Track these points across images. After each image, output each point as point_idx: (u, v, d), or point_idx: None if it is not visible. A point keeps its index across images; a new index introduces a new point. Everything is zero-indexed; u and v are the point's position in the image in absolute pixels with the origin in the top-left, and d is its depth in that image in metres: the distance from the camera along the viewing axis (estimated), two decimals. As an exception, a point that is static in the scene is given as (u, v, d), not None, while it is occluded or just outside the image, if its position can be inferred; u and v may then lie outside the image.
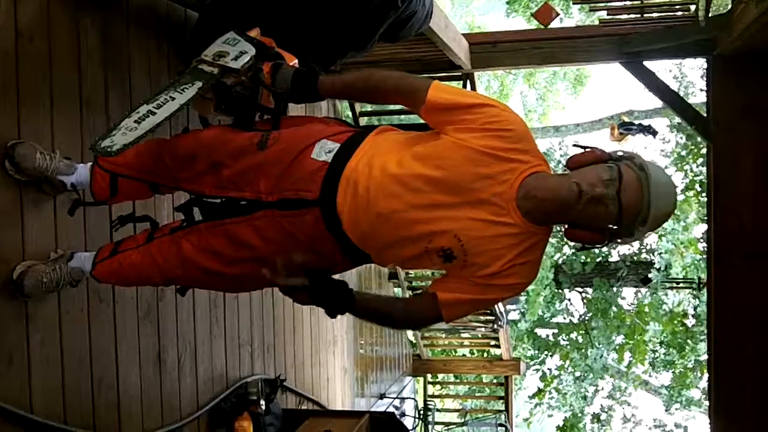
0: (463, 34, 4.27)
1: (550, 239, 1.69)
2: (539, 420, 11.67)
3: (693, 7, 3.70)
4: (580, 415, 10.90)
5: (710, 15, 3.54)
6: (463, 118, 1.50)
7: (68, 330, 2.05)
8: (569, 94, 17.41)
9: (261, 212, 1.61)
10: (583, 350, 10.67)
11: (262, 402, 3.15)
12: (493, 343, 7.50)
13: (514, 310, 10.80)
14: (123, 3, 2.36)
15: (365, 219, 1.53)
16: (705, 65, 4.36)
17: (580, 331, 10.84)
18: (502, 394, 7.87)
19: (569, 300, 11.35)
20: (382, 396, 6.37)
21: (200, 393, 2.85)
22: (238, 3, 2.22)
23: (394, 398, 6.60)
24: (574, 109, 18.35)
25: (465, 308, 1.62)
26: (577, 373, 10.81)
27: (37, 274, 1.85)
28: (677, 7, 3.93)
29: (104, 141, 1.50)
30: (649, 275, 9.81)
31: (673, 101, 4.31)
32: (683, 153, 10.47)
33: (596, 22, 4.59)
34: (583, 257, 10.10)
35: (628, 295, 11.10)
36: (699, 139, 8.15)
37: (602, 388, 11.38)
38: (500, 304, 6.36)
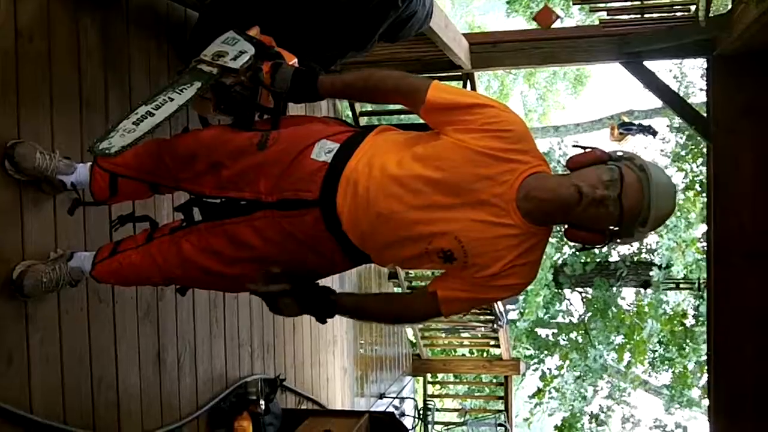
0: (463, 34, 4.27)
1: (550, 239, 1.69)
2: (539, 420, 11.68)
3: (693, 8, 3.70)
4: (578, 414, 10.89)
5: (710, 15, 3.54)
6: (462, 118, 1.50)
7: (68, 330, 2.05)
8: (569, 94, 17.42)
9: (261, 212, 1.61)
10: (582, 350, 10.67)
11: (262, 402, 3.15)
12: (492, 342, 7.51)
13: (514, 309, 10.79)
14: (123, 3, 2.35)
15: (365, 219, 1.53)
16: (705, 65, 4.36)
17: (580, 331, 10.84)
18: (502, 393, 7.87)
19: (569, 300, 11.35)
20: (381, 396, 6.37)
21: (200, 393, 2.85)
22: (238, 3, 2.22)
23: (394, 398, 6.60)
24: (574, 109, 18.36)
25: (464, 305, 1.65)
26: (577, 373, 10.82)
27: (36, 274, 1.85)
28: (677, 7, 3.93)
29: (102, 143, 1.50)
30: (651, 272, 9.82)
31: (673, 101, 4.31)
32: (683, 153, 10.47)
33: (596, 23, 4.58)
34: (584, 257, 10.11)
35: (628, 295, 11.12)
36: (699, 139, 8.14)
37: (601, 388, 11.38)
38: (500, 303, 6.38)
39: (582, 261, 10.14)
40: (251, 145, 1.63)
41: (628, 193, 1.42)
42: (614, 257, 10.63)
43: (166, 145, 1.82)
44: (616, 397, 11.40)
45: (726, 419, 3.91)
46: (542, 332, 11.69)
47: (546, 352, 11.28)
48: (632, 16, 4.07)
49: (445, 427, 8.32)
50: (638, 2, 4.11)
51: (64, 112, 2.05)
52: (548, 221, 1.54)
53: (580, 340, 10.84)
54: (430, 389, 8.98)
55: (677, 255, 9.65)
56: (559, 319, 11.64)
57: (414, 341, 7.55)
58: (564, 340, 11.13)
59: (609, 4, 4.11)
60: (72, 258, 1.94)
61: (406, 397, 7.03)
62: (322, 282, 1.66)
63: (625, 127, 11.22)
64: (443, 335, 7.86)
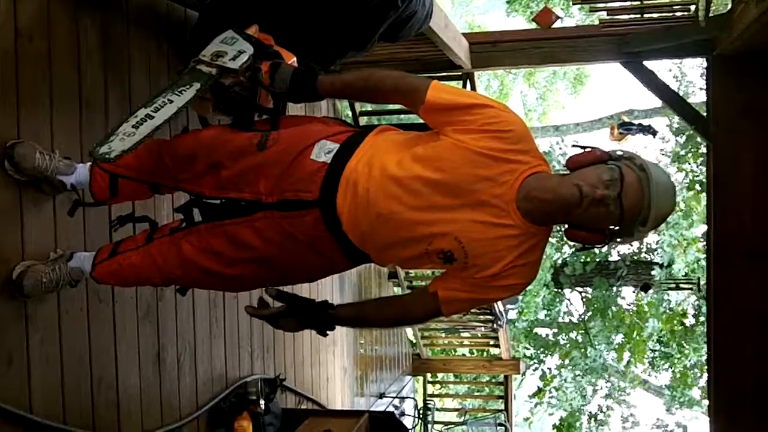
0: (463, 34, 4.27)
1: (550, 239, 1.69)
2: (540, 419, 11.68)
3: (693, 7, 3.70)
4: (577, 414, 10.90)
5: (710, 15, 3.55)
6: (462, 119, 1.50)
7: (68, 330, 2.05)
8: (569, 93, 17.43)
9: (261, 213, 1.61)
10: (582, 350, 10.67)
11: (262, 402, 3.15)
12: (492, 342, 7.51)
13: (513, 309, 10.80)
14: (123, 3, 2.35)
15: (365, 219, 1.53)
16: (705, 65, 4.36)
17: (580, 331, 10.84)
18: (502, 393, 7.87)
19: (569, 300, 11.35)
20: (381, 395, 6.37)
21: (200, 393, 2.85)
22: (238, 3, 2.22)
23: (394, 398, 6.60)
24: (574, 109, 18.36)
25: (464, 305, 1.66)
26: (577, 372, 10.82)
27: (36, 274, 1.84)
28: (677, 7, 3.93)
29: (102, 147, 1.50)
30: (652, 272, 9.81)
31: (673, 101, 4.31)
32: (682, 153, 10.47)
33: (596, 23, 4.58)
34: (584, 257, 10.11)
35: (628, 295, 11.12)
36: (699, 139, 8.14)
37: (601, 388, 11.39)
38: (499, 303, 6.38)
39: (582, 261, 10.14)
40: (251, 146, 1.63)
41: (628, 192, 1.42)
42: (614, 257, 10.63)
43: (165, 145, 1.82)
44: (615, 397, 11.40)
45: (726, 419, 3.91)
46: (542, 332, 11.69)
47: (546, 351, 11.28)
48: (632, 16, 4.07)
49: (445, 427, 8.32)
50: (638, 2, 4.11)
51: (64, 112, 2.05)
52: (548, 221, 1.54)
53: (580, 340, 10.84)
54: (430, 389, 8.98)
55: (679, 252, 9.65)
56: (559, 319, 11.63)
57: (414, 341, 7.56)
58: (564, 339, 11.13)
59: (609, 4, 4.12)
60: (72, 258, 1.94)
61: (406, 397, 7.03)
62: (322, 282, 1.67)
63: (625, 126, 11.22)
64: (443, 335, 7.86)
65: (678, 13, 3.94)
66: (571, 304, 11.36)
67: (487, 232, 1.49)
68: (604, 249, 9.51)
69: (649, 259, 10.46)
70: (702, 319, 9.95)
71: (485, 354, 8.31)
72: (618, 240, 1.54)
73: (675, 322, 10.32)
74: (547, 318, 11.50)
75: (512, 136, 1.49)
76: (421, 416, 7.40)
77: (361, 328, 1.83)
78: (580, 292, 10.97)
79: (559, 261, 10.56)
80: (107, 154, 1.48)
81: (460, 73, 4.47)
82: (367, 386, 5.90)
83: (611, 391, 11.38)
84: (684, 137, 10.41)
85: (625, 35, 4.07)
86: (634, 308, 10.64)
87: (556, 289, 10.92)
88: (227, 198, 1.67)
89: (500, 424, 7.48)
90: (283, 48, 1.84)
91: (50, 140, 1.99)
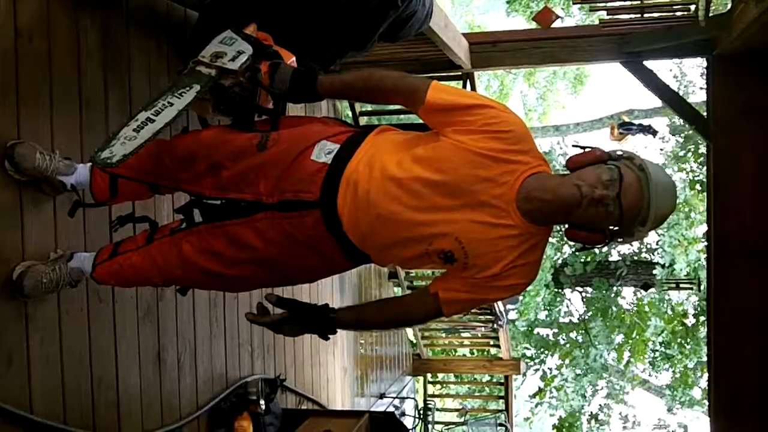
0: (463, 34, 4.27)
1: (550, 239, 1.69)
2: (540, 419, 11.67)
3: (693, 7, 3.70)
4: (577, 414, 10.90)
5: (710, 15, 3.55)
6: (462, 119, 1.50)
7: (68, 330, 2.05)
8: (569, 93, 17.43)
9: (261, 214, 1.61)
10: (583, 349, 10.67)
11: (262, 402, 3.15)
12: (492, 342, 7.51)
13: (514, 309, 10.79)
14: (123, 3, 2.35)
15: (365, 220, 1.53)
16: (705, 64, 4.36)
17: (580, 331, 10.84)
18: (502, 393, 7.87)
19: (569, 300, 11.35)
20: (381, 396, 6.37)
21: (200, 393, 2.85)
22: (238, 3, 2.22)
23: (394, 398, 6.60)
24: (574, 109, 18.38)
25: (465, 306, 1.66)
26: (578, 371, 10.82)
27: (36, 275, 1.85)
28: (677, 7, 3.93)
29: (104, 152, 1.49)
30: (654, 272, 9.81)
31: (673, 101, 4.31)
32: (682, 153, 10.47)
33: (596, 22, 4.58)
34: (584, 257, 10.11)
35: (628, 295, 11.12)
36: (699, 138, 8.14)
37: (601, 388, 11.38)
38: (500, 303, 6.38)
39: (582, 261, 10.14)
40: (251, 146, 1.63)
41: (627, 192, 1.42)
42: (614, 257, 10.63)
43: (166, 145, 1.82)
44: (615, 396, 11.40)
45: (726, 419, 3.91)
46: (542, 332, 11.69)
47: (546, 351, 11.28)
48: (632, 15, 4.07)
49: (446, 427, 8.32)
50: (638, 2, 4.11)
51: (64, 112, 2.05)
52: (549, 221, 1.54)
53: (581, 340, 10.84)
54: (431, 389, 8.98)
55: (680, 252, 9.64)
56: (560, 319, 11.63)
57: (414, 341, 7.55)
58: (564, 339, 11.13)
59: (609, 4, 4.12)
60: (72, 258, 1.94)
61: (407, 397, 7.03)
62: (322, 283, 1.67)
63: (624, 126, 11.22)
64: (443, 335, 7.86)
65: (678, 13, 3.94)
66: (571, 304, 11.35)
67: (488, 232, 1.49)
68: (605, 249, 9.51)
69: (649, 259, 10.46)
70: (703, 319, 9.95)
71: (485, 354, 8.31)
72: (618, 240, 1.54)
73: (676, 322, 10.31)
74: (548, 318, 11.50)
75: (512, 136, 1.49)
76: (421, 416, 7.39)
77: (363, 330, 1.83)
78: (581, 292, 10.97)
79: (559, 261, 10.55)
80: (109, 159, 1.48)
81: (460, 73, 4.47)
82: (367, 386, 5.90)
83: (611, 391, 11.38)
84: (684, 138, 10.41)
85: (625, 35, 4.07)
86: (635, 308, 10.64)
87: (556, 289, 10.91)
88: (227, 198, 1.67)
89: (500, 425, 7.47)
90: (282, 48, 1.84)
91: (50, 140, 1.99)
